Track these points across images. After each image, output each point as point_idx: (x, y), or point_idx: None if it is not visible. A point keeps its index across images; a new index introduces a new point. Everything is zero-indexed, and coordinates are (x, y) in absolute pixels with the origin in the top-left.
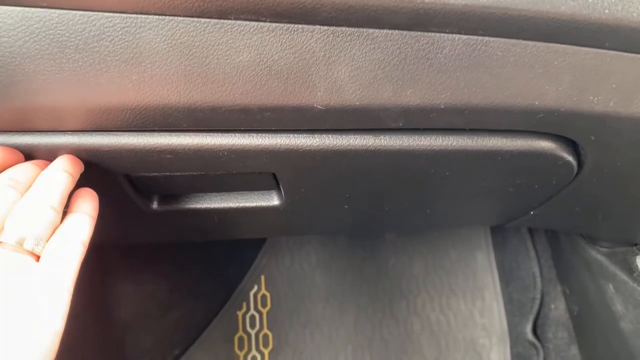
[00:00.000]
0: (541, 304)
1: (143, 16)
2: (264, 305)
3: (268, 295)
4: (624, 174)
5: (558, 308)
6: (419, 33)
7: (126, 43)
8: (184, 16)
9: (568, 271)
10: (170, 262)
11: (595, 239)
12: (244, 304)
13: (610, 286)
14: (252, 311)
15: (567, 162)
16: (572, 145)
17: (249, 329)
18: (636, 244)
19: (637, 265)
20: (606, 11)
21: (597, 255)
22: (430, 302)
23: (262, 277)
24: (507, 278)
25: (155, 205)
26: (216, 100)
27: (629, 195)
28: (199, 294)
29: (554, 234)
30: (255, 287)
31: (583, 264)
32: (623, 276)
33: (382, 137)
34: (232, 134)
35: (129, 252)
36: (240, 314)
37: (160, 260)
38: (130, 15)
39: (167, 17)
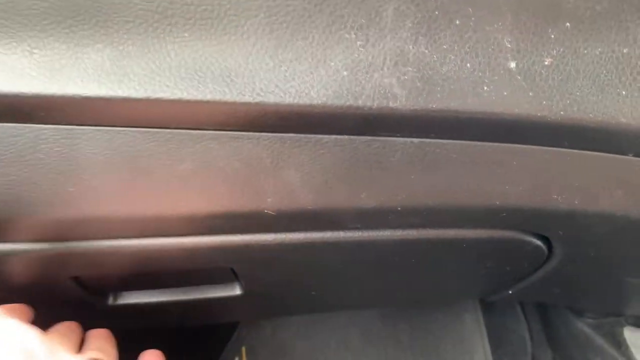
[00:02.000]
0: None
1: (78, 127)
2: None
3: None
4: (598, 261)
5: None
6: (369, 138)
7: (62, 155)
8: (122, 126)
9: (556, 339)
10: (142, 340)
11: (581, 310)
12: None
13: None
14: None
15: (537, 247)
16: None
17: None
18: (623, 315)
19: (624, 339)
20: (562, 112)
21: (584, 327)
22: None
23: (243, 349)
24: (496, 341)
25: (110, 301)
26: (160, 211)
27: (605, 279)
28: None
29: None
30: (236, 359)
31: (570, 334)
32: (611, 351)
33: (340, 231)
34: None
35: None
36: None
37: (130, 339)
38: (65, 127)
39: (104, 127)
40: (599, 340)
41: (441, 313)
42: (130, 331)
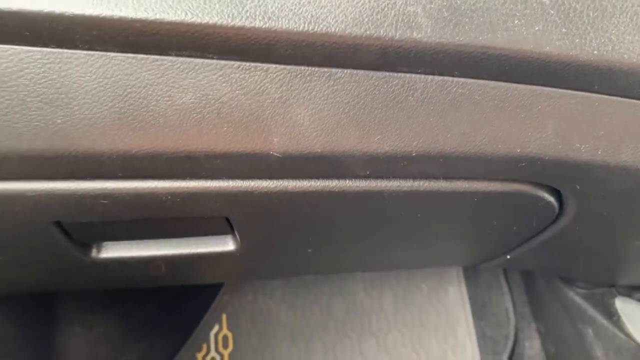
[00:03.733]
0: (515, 342)
1: (69, 51)
2: (225, 346)
3: (230, 335)
4: (609, 221)
5: (533, 347)
6: (387, 74)
7: (49, 82)
8: (117, 52)
9: (543, 310)
10: (122, 301)
11: (572, 280)
12: (204, 346)
13: (590, 331)
14: (212, 353)
15: (549, 203)
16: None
17: None
18: (614, 286)
19: (616, 309)
20: (595, 52)
21: (575, 296)
22: (402, 339)
23: (224, 316)
24: (479, 313)
25: (94, 254)
26: (156, 148)
27: (612, 242)
28: (154, 336)
29: (527, 271)
30: (216, 327)
31: (559, 304)
32: (602, 320)
33: (346, 180)
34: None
35: (77, 293)
36: (200, 356)
37: (112, 299)
38: (54, 50)
39: (98, 52)
40: (591, 310)
41: (425, 285)
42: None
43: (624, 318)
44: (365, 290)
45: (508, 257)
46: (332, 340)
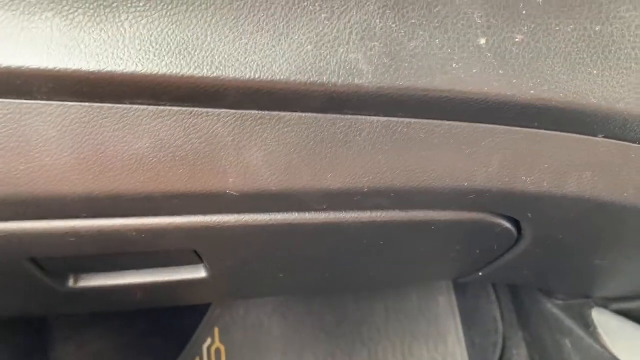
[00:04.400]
0: (503, 349)
1: (28, 102)
2: (218, 359)
3: (222, 348)
4: (567, 244)
5: (520, 354)
6: (334, 116)
7: (10, 131)
8: (74, 101)
9: (527, 319)
10: (115, 318)
11: (551, 292)
12: (197, 359)
13: (568, 342)
14: None
15: (506, 229)
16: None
17: None
18: (591, 297)
19: (592, 320)
20: (532, 92)
21: (553, 308)
22: (392, 349)
23: (216, 329)
24: (469, 322)
25: (71, 284)
26: (115, 190)
27: (574, 261)
28: (147, 352)
29: None
30: (209, 340)
31: (540, 315)
32: (580, 332)
33: (306, 213)
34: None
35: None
36: None
37: (103, 317)
38: (14, 101)
39: (55, 102)
40: (568, 322)
41: (415, 295)
42: (97, 314)
43: (600, 329)
44: (356, 301)
45: (480, 274)
46: (324, 352)
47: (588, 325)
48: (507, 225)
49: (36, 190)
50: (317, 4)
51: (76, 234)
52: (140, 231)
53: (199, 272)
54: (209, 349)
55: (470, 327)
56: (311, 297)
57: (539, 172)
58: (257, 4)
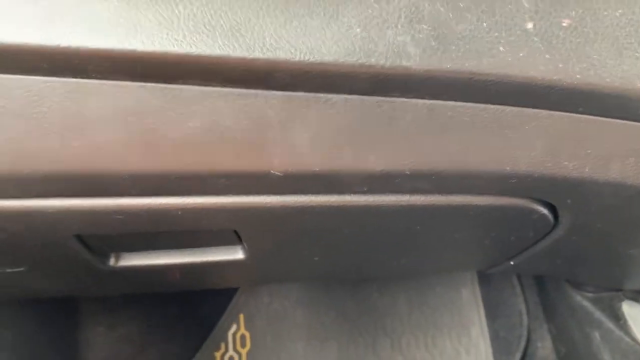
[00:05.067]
0: (528, 342)
1: (84, 81)
2: (243, 345)
3: (247, 334)
4: (604, 232)
5: (545, 347)
6: (380, 98)
7: (66, 109)
8: (127, 81)
9: (553, 312)
10: (144, 301)
11: (580, 284)
12: (222, 344)
13: (597, 334)
14: (230, 352)
15: (543, 216)
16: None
17: None
18: (622, 290)
19: (623, 312)
20: (578, 76)
21: (583, 300)
22: (415, 341)
23: (241, 316)
24: (493, 314)
25: (112, 263)
26: (165, 168)
27: (610, 250)
28: (174, 335)
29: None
30: (234, 327)
31: (568, 307)
32: (609, 324)
33: (346, 195)
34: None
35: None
36: (218, 355)
37: (133, 300)
38: (70, 80)
39: (110, 81)
40: (598, 314)
41: (439, 286)
42: (127, 297)
43: (630, 322)
44: (379, 291)
45: (512, 263)
46: (347, 341)
47: (618, 318)
48: (545, 211)
49: (88, 168)
50: None
51: (123, 212)
52: (186, 210)
53: (237, 254)
54: (234, 335)
55: (494, 319)
56: (338, 284)
57: (582, 157)
58: None
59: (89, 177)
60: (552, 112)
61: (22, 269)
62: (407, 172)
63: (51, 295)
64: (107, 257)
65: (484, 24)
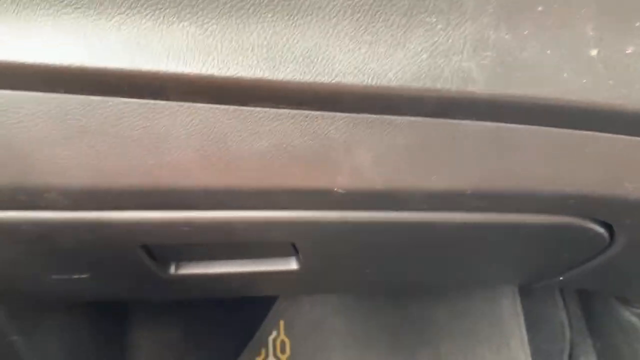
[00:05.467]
0: (570, 356)
1: (161, 102)
2: (282, 351)
3: (287, 341)
4: None
5: None
6: (443, 120)
7: (144, 128)
8: (203, 103)
9: (599, 327)
10: (188, 307)
11: (628, 300)
12: (263, 350)
13: None
14: (270, 357)
15: (599, 234)
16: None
17: None
18: None
19: None
20: None
21: (631, 316)
22: (455, 350)
23: (281, 322)
24: (534, 326)
25: (172, 271)
26: (235, 185)
27: None
28: (216, 340)
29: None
30: (274, 333)
31: (615, 323)
32: None
33: (404, 212)
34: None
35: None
36: None
37: (178, 305)
38: (148, 101)
39: (186, 103)
40: None
41: (479, 297)
42: (171, 302)
43: None
44: (419, 301)
45: (561, 278)
46: (386, 350)
47: None
48: (600, 230)
49: (162, 183)
50: (433, 16)
51: (189, 224)
52: (249, 223)
53: (291, 265)
54: (274, 340)
55: (536, 332)
56: (374, 297)
57: None
58: (377, 16)
59: (162, 192)
60: (612, 135)
61: (86, 275)
62: (468, 192)
63: (109, 299)
64: (169, 266)
65: (548, 51)
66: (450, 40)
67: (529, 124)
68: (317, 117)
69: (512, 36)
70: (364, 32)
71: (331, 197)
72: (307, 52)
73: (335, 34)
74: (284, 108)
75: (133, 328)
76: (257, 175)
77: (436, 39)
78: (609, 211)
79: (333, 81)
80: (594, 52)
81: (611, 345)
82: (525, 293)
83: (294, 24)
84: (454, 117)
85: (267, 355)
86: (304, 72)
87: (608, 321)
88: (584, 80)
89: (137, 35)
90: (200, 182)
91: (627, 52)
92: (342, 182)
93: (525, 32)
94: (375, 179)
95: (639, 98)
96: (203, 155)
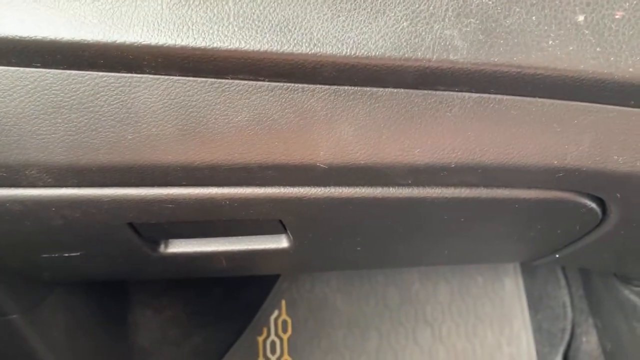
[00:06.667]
0: (572, 336)
1: (137, 75)
2: (284, 330)
3: (289, 320)
4: None
5: (590, 341)
6: (426, 92)
7: (121, 103)
8: (179, 75)
9: (599, 306)
10: (190, 286)
11: (628, 278)
12: (265, 329)
13: None
14: (272, 337)
15: (591, 209)
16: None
17: (269, 354)
18: None
19: None
20: (630, 69)
21: (631, 295)
22: (456, 330)
23: (283, 302)
24: (536, 306)
25: (161, 249)
26: (215, 160)
27: None
28: (218, 320)
29: None
30: (276, 312)
31: (615, 301)
32: None
33: (390, 187)
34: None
35: (148, 280)
36: (260, 339)
37: (180, 285)
38: (125, 75)
39: (162, 76)
40: None
41: (481, 276)
42: (173, 282)
43: None
44: (420, 280)
45: (557, 256)
46: (387, 329)
47: None
48: (592, 205)
49: (141, 159)
50: None
51: (174, 201)
52: (233, 200)
53: (282, 243)
54: (275, 320)
55: (538, 311)
56: (379, 272)
57: (632, 151)
58: None
59: (142, 168)
60: (602, 106)
61: (77, 253)
62: (453, 166)
63: (103, 279)
64: (158, 244)
65: (533, 17)
66: (431, 7)
67: (513, 94)
68: (296, 90)
69: (495, 2)
70: None
71: (314, 173)
72: (285, 21)
73: (313, 2)
74: (262, 80)
75: (136, 307)
76: (237, 150)
77: (417, 5)
78: (598, 185)
79: (311, 51)
80: (580, 18)
81: (611, 324)
82: (528, 273)
83: None
84: (436, 88)
85: (269, 335)
86: (282, 42)
87: (608, 299)
88: (570, 47)
89: (111, 7)
90: (180, 157)
91: (615, 17)
92: (324, 156)
93: None
94: (357, 152)
95: (627, 66)
96: (181, 129)
